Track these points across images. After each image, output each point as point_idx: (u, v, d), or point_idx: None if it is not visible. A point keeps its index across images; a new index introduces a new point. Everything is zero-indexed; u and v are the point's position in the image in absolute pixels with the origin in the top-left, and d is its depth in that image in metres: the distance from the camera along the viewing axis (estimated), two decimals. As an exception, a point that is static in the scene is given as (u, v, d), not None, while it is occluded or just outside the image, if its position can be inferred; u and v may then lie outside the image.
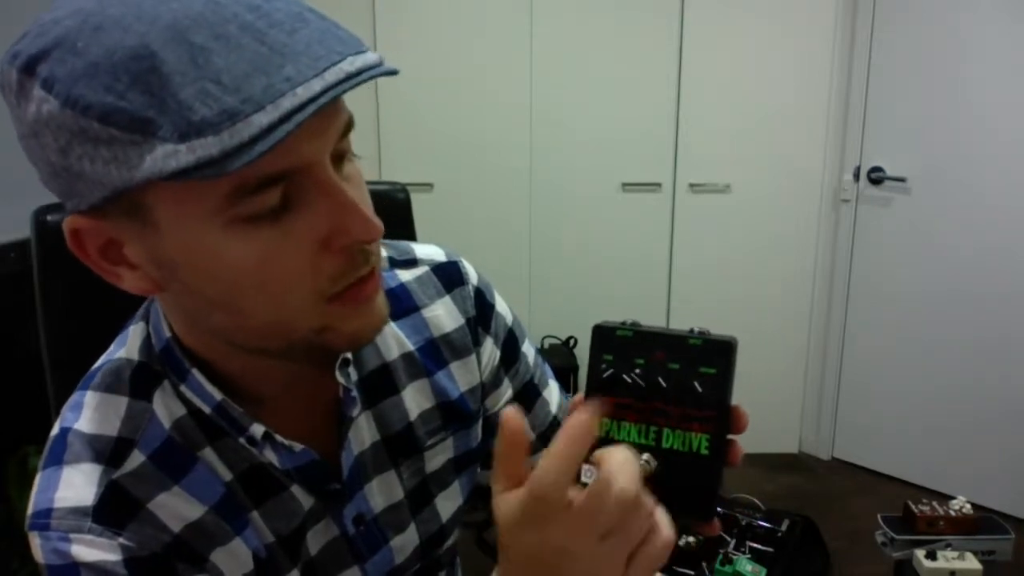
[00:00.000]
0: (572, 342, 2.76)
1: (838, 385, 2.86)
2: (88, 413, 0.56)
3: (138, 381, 0.57)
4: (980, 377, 2.49)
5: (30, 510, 0.53)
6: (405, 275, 0.71)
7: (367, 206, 0.50)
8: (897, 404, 2.71)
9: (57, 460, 0.54)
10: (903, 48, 2.53)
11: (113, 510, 0.53)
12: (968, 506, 1.80)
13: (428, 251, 0.74)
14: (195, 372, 0.56)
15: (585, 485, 0.42)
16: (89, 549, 0.51)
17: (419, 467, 0.70)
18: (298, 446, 0.59)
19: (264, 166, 0.43)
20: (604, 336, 0.49)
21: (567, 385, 2.64)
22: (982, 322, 2.47)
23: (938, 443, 2.62)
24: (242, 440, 0.58)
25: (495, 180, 2.71)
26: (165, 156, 0.41)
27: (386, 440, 0.67)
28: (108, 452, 0.54)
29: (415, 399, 0.69)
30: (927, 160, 2.53)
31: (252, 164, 0.42)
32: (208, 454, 0.57)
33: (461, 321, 0.72)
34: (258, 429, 0.57)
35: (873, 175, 2.65)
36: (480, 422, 0.76)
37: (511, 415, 0.45)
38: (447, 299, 0.72)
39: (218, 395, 0.56)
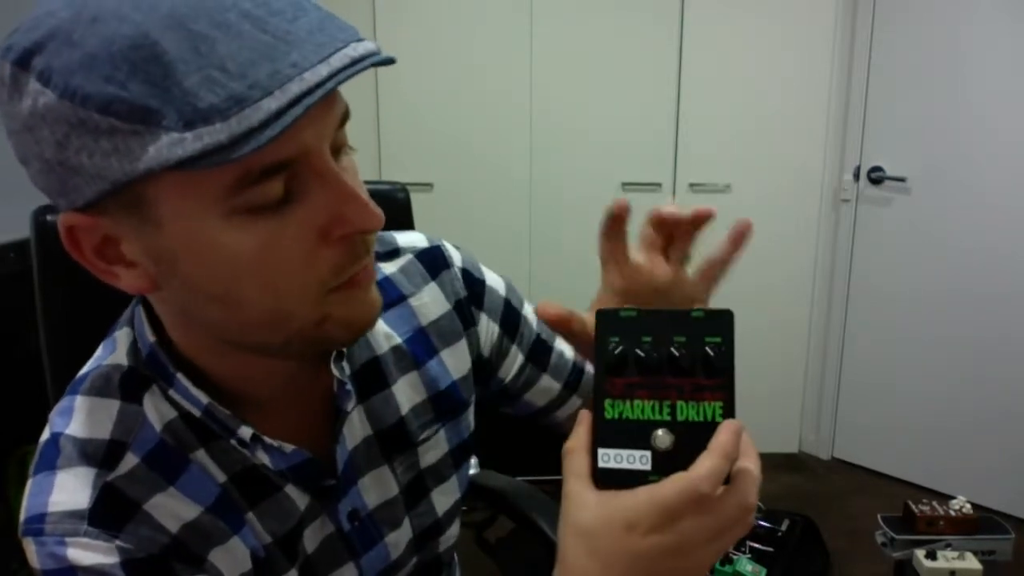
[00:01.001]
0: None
1: (838, 385, 2.86)
2: (79, 417, 0.55)
3: (128, 385, 0.57)
4: (980, 377, 2.49)
5: (23, 516, 0.53)
6: (389, 267, 0.71)
7: (366, 196, 0.50)
8: (897, 404, 2.71)
9: (50, 465, 0.54)
10: (903, 48, 2.53)
11: (109, 512, 0.52)
12: (968, 506, 1.80)
13: (410, 238, 0.74)
14: (180, 376, 0.56)
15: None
16: (86, 552, 0.51)
17: (413, 462, 0.70)
18: (288, 447, 0.59)
19: (268, 155, 0.43)
20: (609, 319, 0.49)
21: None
22: (982, 322, 2.47)
23: (938, 443, 2.62)
24: (233, 442, 0.58)
25: (495, 180, 2.71)
26: (171, 145, 0.41)
27: (378, 435, 0.67)
28: (101, 455, 0.54)
29: (406, 393, 0.69)
30: (927, 160, 2.53)
31: (258, 152, 0.41)
32: (201, 456, 0.57)
33: (448, 306, 0.72)
34: (246, 431, 0.57)
35: (873, 175, 2.65)
36: (471, 410, 0.76)
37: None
38: (433, 285, 0.72)
39: (204, 399, 0.56)
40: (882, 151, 2.63)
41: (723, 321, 0.49)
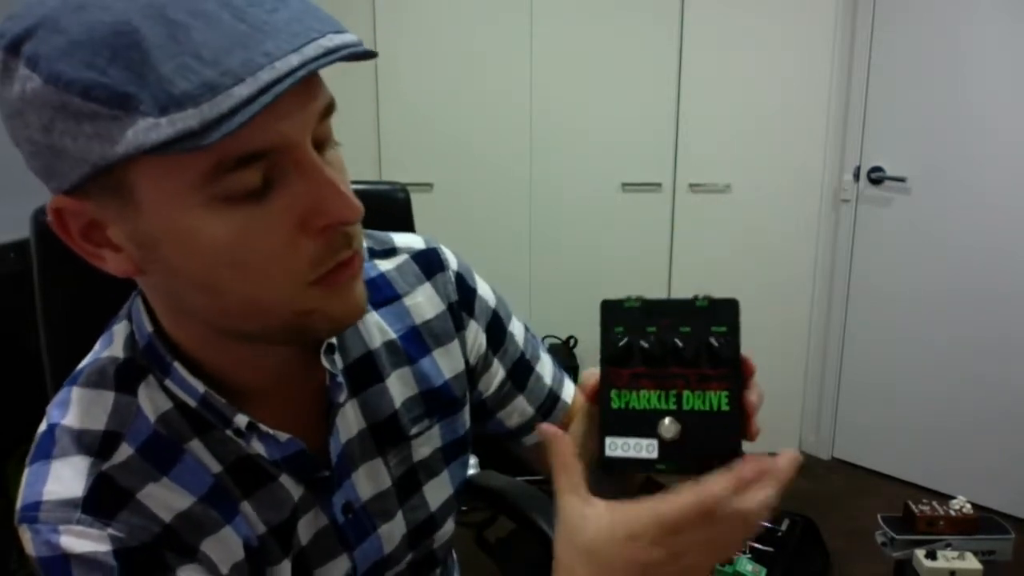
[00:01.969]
0: (572, 342, 2.76)
1: (838, 385, 2.86)
2: (75, 409, 0.56)
3: (123, 376, 0.57)
4: (980, 377, 2.49)
5: (19, 504, 0.54)
6: (385, 264, 0.72)
7: (347, 188, 0.50)
8: (897, 404, 2.71)
9: (45, 455, 0.55)
10: (903, 48, 2.53)
11: (102, 501, 0.53)
12: (968, 506, 1.80)
13: (407, 240, 0.74)
14: (177, 365, 0.57)
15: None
16: (79, 540, 0.51)
17: (406, 455, 0.71)
18: (283, 435, 0.59)
19: (243, 143, 0.44)
20: (613, 309, 0.50)
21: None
22: (982, 322, 2.47)
23: (938, 443, 2.62)
24: (228, 432, 0.58)
25: (495, 180, 2.71)
26: (146, 129, 0.42)
27: (372, 428, 0.68)
28: (96, 445, 0.55)
29: (399, 387, 0.70)
30: (927, 160, 2.53)
31: (232, 138, 0.42)
32: (195, 446, 0.58)
33: (442, 307, 0.73)
34: (242, 419, 0.58)
35: (873, 175, 2.65)
36: (467, 408, 0.76)
37: (551, 434, 0.48)
38: (427, 286, 0.72)
39: (201, 387, 0.57)
40: (882, 151, 2.63)
41: (729, 310, 0.49)
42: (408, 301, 0.71)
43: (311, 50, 0.44)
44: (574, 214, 2.74)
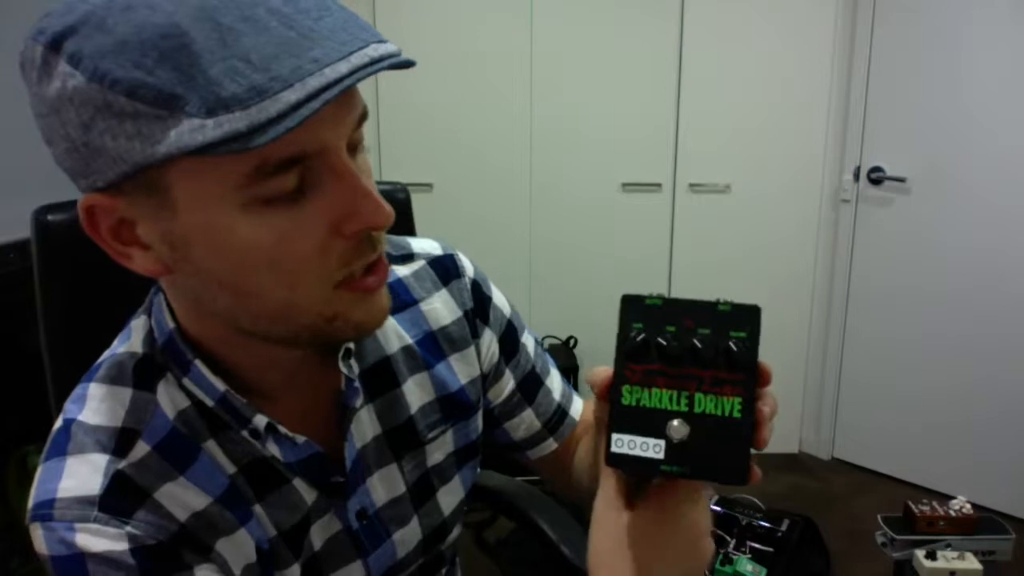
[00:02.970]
0: (572, 342, 2.76)
1: (838, 385, 2.86)
2: (92, 404, 0.56)
3: (142, 373, 0.57)
4: (980, 377, 2.49)
5: (31, 502, 0.53)
6: (402, 270, 0.72)
7: (377, 194, 0.51)
8: (897, 404, 2.71)
9: (60, 451, 0.54)
10: (903, 48, 2.53)
11: (120, 499, 0.53)
12: (968, 506, 1.80)
13: (424, 245, 0.75)
14: (198, 363, 0.57)
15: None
16: (96, 539, 0.51)
17: (420, 460, 0.71)
18: (300, 438, 0.60)
19: (284, 147, 0.45)
20: (633, 304, 0.49)
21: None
22: (982, 322, 2.47)
23: (938, 443, 2.62)
24: (244, 433, 0.58)
25: (495, 180, 2.71)
26: (191, 130, 0.42)
27: (387, 434, 0.68)
28: (113, 442, 0.54)
29: (415, 392, 0.70)
30: (927, 160, 2.53)
31: (275, 143, 0.43)
32: (211, 446, 0.58)
33: (459, 313, 0.73)
34: (261, 420, 0.58)
35: (873, 175, 2.65)
36: (480, 413, 0.76)
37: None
38: (444, 292, 0.73)
39: (221, 386, 0.57)
40: (882, 151, 2.63)
41: (750, 316, 0.48)
42: (425, 307, 0.71)
43: (358, 59, 0.45)
44: (574, 214, 2.74)
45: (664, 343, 0.48)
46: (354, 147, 0.52)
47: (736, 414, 0.47)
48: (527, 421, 0.80)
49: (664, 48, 2.63)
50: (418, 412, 0.70)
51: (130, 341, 0.59)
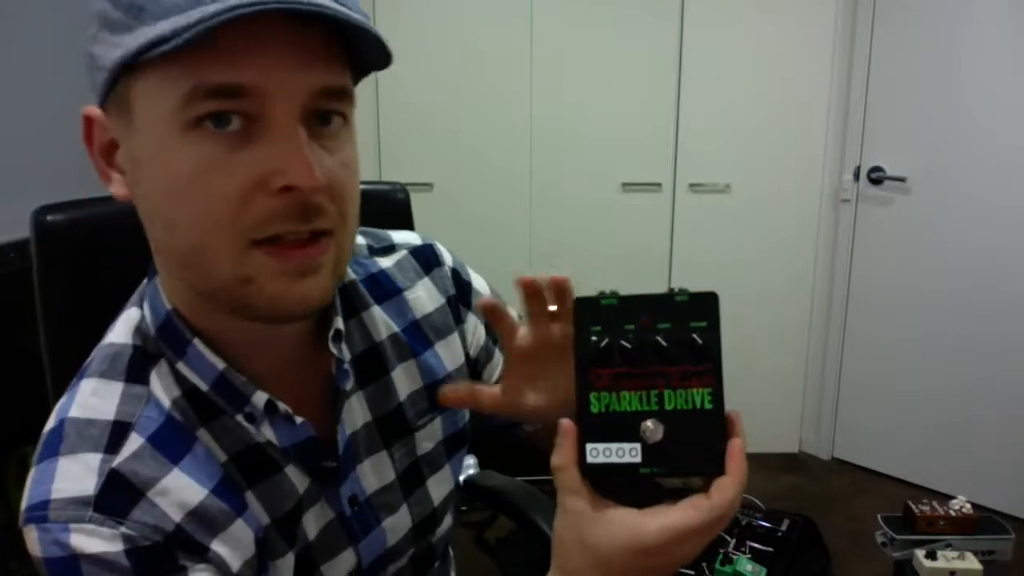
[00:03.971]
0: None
1: (838, 385, 2.86)
2: (82, 399, 0.56)
3: (133, 365, 0.57)
4: (980, 377, 2.49)
5: (24, 504, 0.53)
6: (384, 261, 0.73)
7: (320, 162, 0.50)
8: (897, 404, 2.71)
9: (52, 451, 0.54)
10: (903, 48, 2.53)
11: (115, 499, 0.52)
12: (968, 506, 1.80)
13: (404, 236, 0.76)
14: (197, 342, 0.57)
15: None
16: (91, 539, 0.51)
17: (410, 448, 0.71)
18: (298, 418, 0.60)
19: (222, 73, 0.46)
20: (589, 308, 0.48)
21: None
22: (982, 322, 2.47)
23: (938, 443, 2.62)
24: (239, 417, 0.58)
25: (495, 180, 2.71)
26: (137, 37, 0.46)
27: (377, 421, 0.68)
28: (105, 438, 0.54)
29: (404, 380, 0.70)
30: (927, 160, 2.53)
31: (212, 68, 0.46)
32: (204, 435, 0.58)
33: (441, 301, 0.74)
34: (261, 397, 0.58)
35: (873, 175, 2.65)
36: None
37: (568, 428, 0.48)
38: (427, 280, 0.74)
39: (220, 364, 0.57)
40: (882, 151, 2.63)
41: (708, 304, 0.47)
42: (409, 295, 0.72)
43: None
44: (574, 214, 2.74)
45: (628, 345, 0.46)
46: (325, 117, 0.52)
47: (707, 405, 0.46)
48: None
49: (664, 48, 2.63)
50: (407, 399, 0.70)
51: (120, 333, 0.59)
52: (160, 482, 0.54)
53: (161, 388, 0.57)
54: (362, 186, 0.57)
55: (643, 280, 2.80)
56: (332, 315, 0.63)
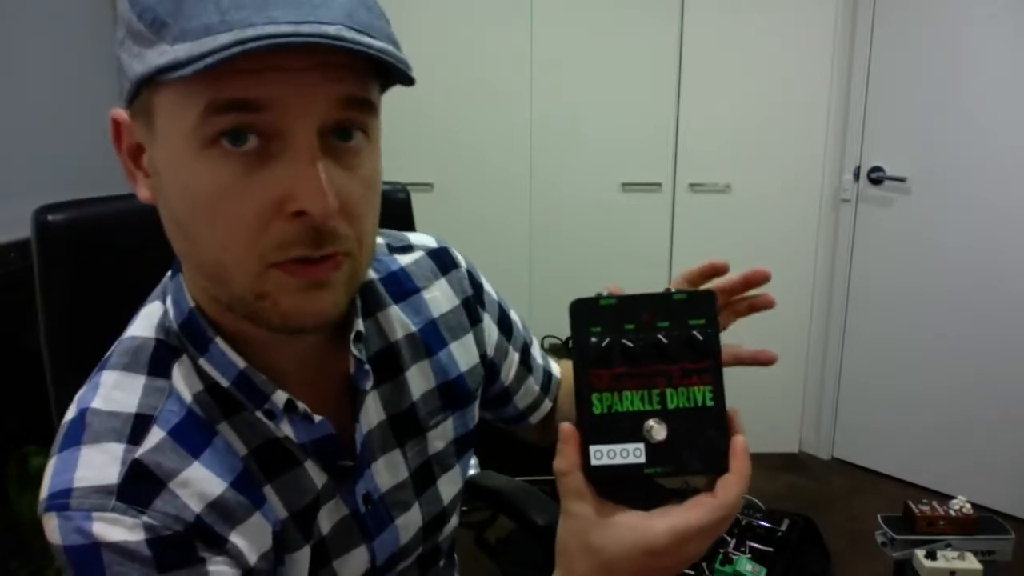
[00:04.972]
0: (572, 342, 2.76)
1: (838, 385, 2.86)
2: (105, 392, 0.56)
3: (155, 359, 0.58)
4: (980, 377, 2.49)
5: (45, 492, 0.53)
6: (404, 259, 0.74)
7: (332, 185, 0.49)
8: (897, 404, 2.71)
9: (75, 441, 0.54)
10: (903, 48, 2.53)
11: (137, 488, 0.53)
12: (968, 506, 1.80)
13: (420, 238, 0.78)
14: (218, 340, 0.57)
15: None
16: (113, 528, 0.51)
17: (422, 447, 0.72)
18: (318, 417, 0.60)
19: (233, 89, 0.46)
20: (587, 309, 0.48)
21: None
22: (982, 322, 2.47)
23: (938, 443, 2.62)
24: (259, 413, 0.58)
25: (495, 180, 2.71)
26: (157, 55, 0.46)
27: (392, 419, 0.69)
28: (128, 430, 0.54)
29: (418, 380, 0.71)
30: (927, 160, 2.53)
31: (226, 84, 0.45)
32: (224, 429, 0.58)
33: (457, 302, 0.75)
34: (281, 396, 0.58)
35: (873, 175, 2.65)
36: (477, 402, 0.78)
37: (569, 432, 0.47)
38: (443, 281, 0.75)
39: (241, 363, 0.57)
40: (882, 151, 2.63)
41: (706, 302, 0.47)
42: (427, 295, 0.73)
43: (308, 28, 0.45)
44: (574, 214, 2.74)
45: (630, 344, 0.46)
46: (345, 133, 0.52)
47: (708, 403, 0.46)
48: (529, 388, 0.85)
49: (664, 48, 2.63)
50: (420, 399, 0.71)
51: (143, 327, 0.60)
52: (181, 474, 0.55)
53: (183, 382, 0.57)
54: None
55: (643, 280, 2.79)
56: (353, 316, 0.63)
